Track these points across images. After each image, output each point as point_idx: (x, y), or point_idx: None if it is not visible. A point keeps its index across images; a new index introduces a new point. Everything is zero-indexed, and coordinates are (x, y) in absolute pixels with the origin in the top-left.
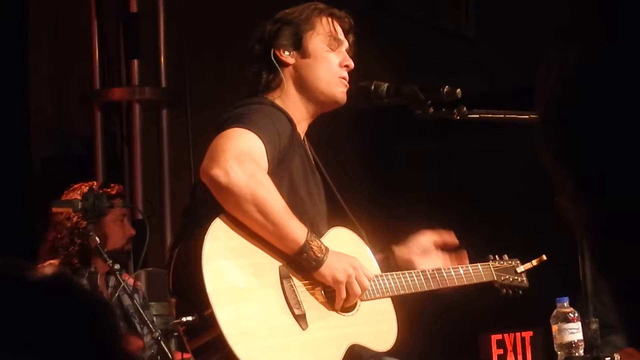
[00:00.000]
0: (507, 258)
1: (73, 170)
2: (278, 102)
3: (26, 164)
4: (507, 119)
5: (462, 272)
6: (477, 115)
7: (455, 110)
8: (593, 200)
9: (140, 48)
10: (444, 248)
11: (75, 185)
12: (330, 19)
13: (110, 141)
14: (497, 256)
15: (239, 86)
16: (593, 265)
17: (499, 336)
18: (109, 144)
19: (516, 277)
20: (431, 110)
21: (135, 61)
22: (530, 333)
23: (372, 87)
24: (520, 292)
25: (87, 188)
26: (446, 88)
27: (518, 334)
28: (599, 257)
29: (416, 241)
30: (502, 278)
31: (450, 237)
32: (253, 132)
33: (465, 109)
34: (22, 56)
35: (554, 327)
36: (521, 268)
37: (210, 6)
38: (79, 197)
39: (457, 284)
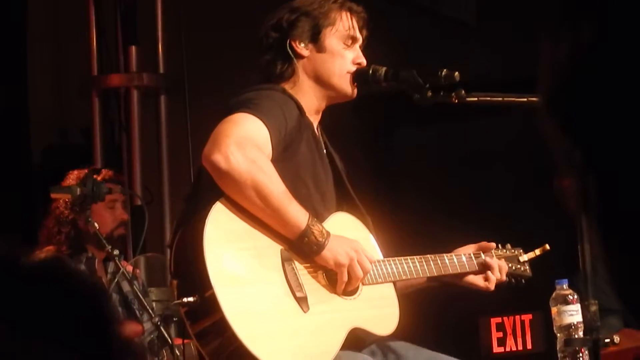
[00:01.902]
0: (510, 247)
1: (72, 157)
2: (288, 89)
3: (25, 152)
4: (505, 102)
5: (464, 259)
6: (476, 99)
7: (453, 94)
8: (602, 170)
9: (138, 34)
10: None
11: (74, 172)
12: (349, 14)
13: (108, 128)
14: (500, 245)
15: (237, 72)
16: (596, 238)
17: (499, 319)
18: (108, 131)
19: (519, 266)
20: (429, 94)
21: (133, 47)
22: (530, 316)
23: (370, 72)
24: (523, 281)
25: (83, 174)
26: (444, 71)
27: (517, 317)
28: (604, 229)
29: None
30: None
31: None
32: (258, 117)
33: (463, 92)
34: (20, 44)
35: (554, 310)
36: (524, 257)
37: None
38: (76, 183)
39: (459, 271)
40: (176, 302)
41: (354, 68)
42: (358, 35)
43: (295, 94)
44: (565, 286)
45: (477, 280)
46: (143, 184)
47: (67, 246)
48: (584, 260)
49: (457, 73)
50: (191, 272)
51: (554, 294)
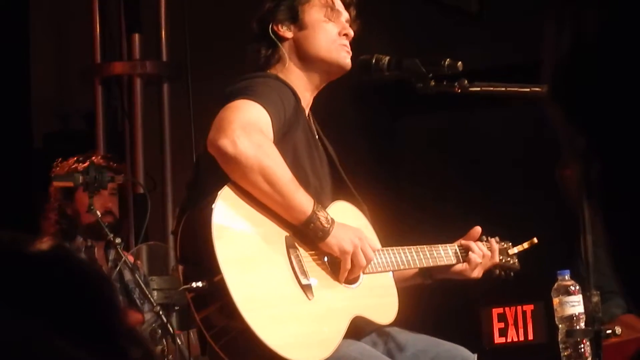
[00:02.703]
0: (498, 239)
1: (74, 145)
2: (281, 76)
3: (27, 139)
4: (508, 92)
5: (458, 250)
6: (479, 89)
7: (456, 84)
8: (606, 155)
9: (141, 22)
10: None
11: (73, 159)
12: None
13: (111, 116)
14: (489, 237)
15: (240, 60)
16: (599, 226)
17: (500, 310)
18: (110, 119)
19: (508, 259)
20: (432, 83)
21: (137, 35)
22: (532, 306)
23: (373, 61)
24: (512, 274)
25: (88, 162)
26: (447, 61)
27: (519, 308)
28: (608, 215)
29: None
30: None
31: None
32: (259, 103)
33: (466, 81)
34: (22, 31)
35: (555, 300)
36: (513, 250)
37: None
38: (79, 170)
39: (453, 262)
40: (184, 287)
41: (341, 39)
42: (341, 9)
43: (286, 77)
44: (567, 277)
45: (464, 268)
46: (146, 171)
47: (61, 234)
48: (586, 250)
49: (460, 63)
50: (199, 258)
51: (555, 285)
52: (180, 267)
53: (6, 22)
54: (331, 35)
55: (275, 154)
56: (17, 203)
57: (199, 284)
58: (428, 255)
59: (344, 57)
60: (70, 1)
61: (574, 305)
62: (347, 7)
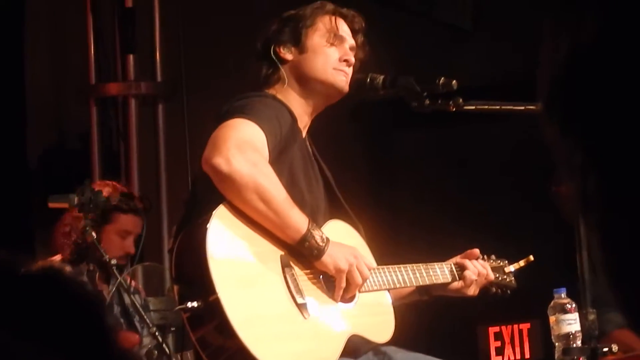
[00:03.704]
0: (495, 258)
1: (70, 165)
2: (279, 96)
3: (23, 159)
4: (503, 110)
5: (454, 268)
6: (473, 107)
7: (451, 102)
8: (603, 169)
9: (135, 43)
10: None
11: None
12: (334, 18)
13: (106, 136)
14: (485, 256)
15: (235, 80)
16: (595, 241)
17: (497, 328)
18: (106, 139)
19: (505, 277)
20: (427, 101)
21: (131, 56)
22: (528, 325)
23: (368, 80)
24: (509, 291)
25: (110, 188)
26: (442, 79)
27: (516, 326)
28: (603, 229)
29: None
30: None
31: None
32: (254, 122)
33: (461, 100)
34: (18, 51)
35: (552, 318)
36: (509, 268)
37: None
38: (105, 196)
39: (449, 280)
40: (179, 307)
41: (341, 65)
42: (345, 35)
43: (284, 98)
44: (563, 295)
45: (459, 286)
46: (141, 191)
47: (72, 256)
48: (582, 267)
49: (454, 81)
50: (194, 277)
51: (552, 303)
52: (176, 287)
53: (2, 43)
54: (330, 59)
55: (270, 173)
56: (12, 223)
57: (194, 303)
58: (424, 274)
59: (341, 80)
60: (66, 22)
61: (571, 323)
62: (354, 34)
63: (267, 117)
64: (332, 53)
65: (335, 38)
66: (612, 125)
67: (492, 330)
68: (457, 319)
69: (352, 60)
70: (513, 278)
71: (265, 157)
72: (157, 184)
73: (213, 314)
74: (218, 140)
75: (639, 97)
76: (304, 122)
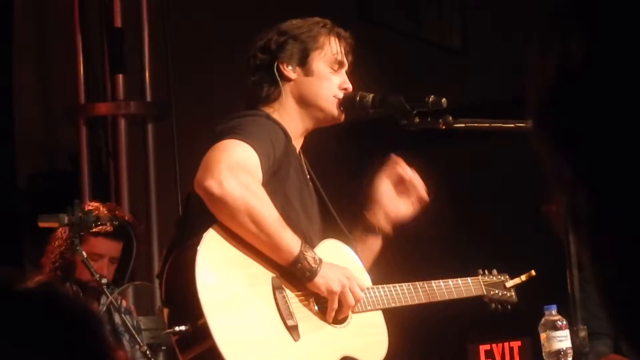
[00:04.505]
0: (496, 273)
1: (59, 185)
2: (275, 115)
3: (12, 179)
4: (492, 128)
5: (452, 285)
6: (463, 125)
7: (440, 120)
8: (594, 184)
9: (125, 62)
10: (401, 182)
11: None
12: (336, 39)
13: (96, 156)
14: (486, 270)
15: (224, 100)
16: (585, 259)
17: (487, 346)
18: (95, 159)
19: (505, 292)
20: (417, 120)
21: (120, 76)
22: (519, 342)
23: (357, 98)
24: (509, 307)
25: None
26: (431, 98)
27: (506, 344)
28: (593, 244)
29: (380, 195)
30: (492, 293)
31: (397, 166)
32: (247, 143)
33: (450, 118)
34: (6, 72)
35: (542, 335)
36: (510, 283)
37: (194, 20)
38: (107, 216)
39: (447, 297)
40: (168, 331)
41: (340, 93)
42: (344, 60)
43: (279, 117)
44: (554, 312)
45: (392, 194)
46: (131, 211)
47: (59, 275)
48: (572, 285)
49: (444, 99)
50: (183, 300)
51: (542, 320)
52: (165, 310)
53: None
54: (333, 88)
55: (262, 195)
56: (1, 243)
57: (182, 327)
58: (420, 291)
59: (340, 112)
60: (54, 42)
61: (562, 340)
62: (346, 54)
63: (260, 138)
64: (334, 80)
65: (337, 64)
66: (601, 141)
67: (483, 348)
68: (448, 337)
69: (350, 88)
70: (514, 293)
71: (258, 179)
72: (147, 203)
73: (201, 338)
74: (210, 162)
75: (626, 113)
76: (297, 141)
